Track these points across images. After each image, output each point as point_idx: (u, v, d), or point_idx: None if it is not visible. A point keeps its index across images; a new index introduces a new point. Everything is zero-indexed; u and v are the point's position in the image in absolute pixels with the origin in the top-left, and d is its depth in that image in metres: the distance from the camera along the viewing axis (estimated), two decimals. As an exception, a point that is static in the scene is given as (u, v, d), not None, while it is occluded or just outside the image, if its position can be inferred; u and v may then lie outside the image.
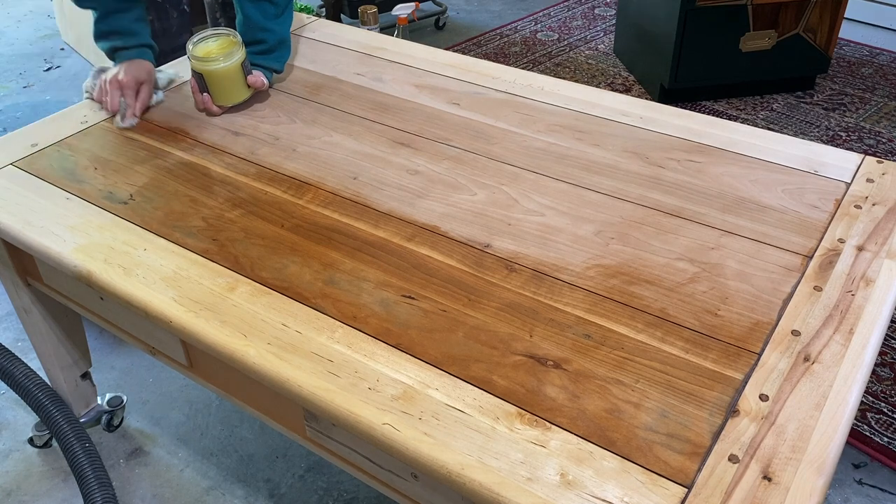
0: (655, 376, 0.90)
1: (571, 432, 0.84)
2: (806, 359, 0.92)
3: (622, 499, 0.77)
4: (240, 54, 1.43)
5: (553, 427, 0.84)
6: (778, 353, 0.92)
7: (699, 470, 0.79)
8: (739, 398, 0.87)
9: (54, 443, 1.65)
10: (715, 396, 0.88)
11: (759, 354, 0.93)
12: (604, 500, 0.77)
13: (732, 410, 0.86)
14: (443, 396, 0.88)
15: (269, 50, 1.50)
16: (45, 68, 3.30)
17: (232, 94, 1.45)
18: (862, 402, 1.68)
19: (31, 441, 1.65)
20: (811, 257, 1.07)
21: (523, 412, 0.86)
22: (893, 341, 1.83)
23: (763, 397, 0.87)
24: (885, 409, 1.66)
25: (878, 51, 3.11)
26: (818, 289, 1.02)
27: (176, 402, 1.74)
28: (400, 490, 0.96)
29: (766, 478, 0.78)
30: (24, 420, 1.71)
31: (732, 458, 0.80)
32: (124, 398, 1.70)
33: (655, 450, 0.82)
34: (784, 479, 0.78)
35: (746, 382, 0.89)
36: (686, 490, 0.78)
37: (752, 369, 0.91)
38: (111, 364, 1.83)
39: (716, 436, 0.83)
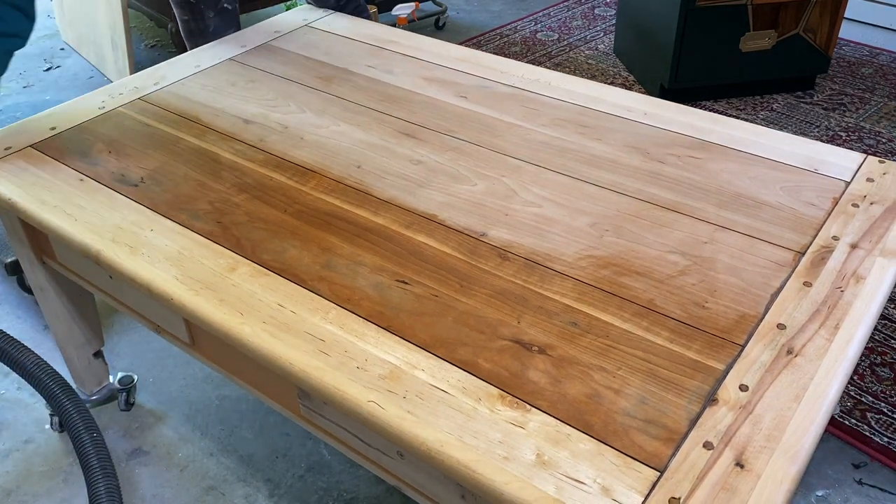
0: (638, 364, 0.92)
1: (551, 415, 0.86)
2: (789, 352, 0.93)
3: (595, 479, 0.79)
4: None
5: (533, 409, 0.86)
6: (762, 346, 0.94)
7: (673, 455, 0.81)
8: (719, 388, 0.88)
9: (58, 438, 1.69)
10: (695, 385, 0.89)
11: (743, 346, 0.94)
12: (577, 481, 0.79)
13: (711, 399, 0.87)
14: (428, 377, 0.90)
15: None
16: (45, 68, 3.31)
17: None
18: (862, 402, 1.67)
19: (52, 424, 1.68)
20: (804, 254, 1.08)
21: (505, 394, 0.88)
22: (893, 341, 1.82)
23: (743, 387, 0.88)
24: (885, 409, 1.66)
25: (878, 51, 3.08)
26: (808, 284, 1.03)
27: (176, 403, 1.76)
28: (387, 468, 0.99)
29: (739, 464, 0.80)
30: (24, 420, 1.74)
31: (707, 445, 0.82)
32: (135, 377, 1.74)
33: (632, 434, 0.83)
34: (756, 467, 0.79)
35: (728, 373, 0.90)
36: (658, 474, 0.79)
37: (735, 360, 0.92)
38: (111, 364, 1.83)
39: (692, 423, 0.84)
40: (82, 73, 3.29)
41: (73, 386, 1.51)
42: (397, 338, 0.96)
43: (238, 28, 1.94)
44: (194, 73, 1.60)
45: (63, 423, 1.49)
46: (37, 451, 1.68)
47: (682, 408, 0.86)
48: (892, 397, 1.68)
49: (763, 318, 0.98)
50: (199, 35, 1.92)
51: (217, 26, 1.92)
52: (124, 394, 1.71)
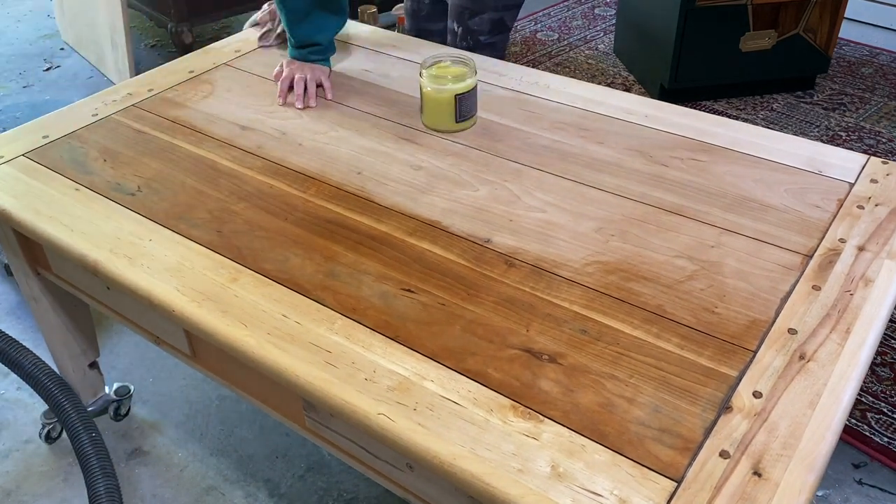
0: (650, 372, 0.91)
1: (564, 425, 0.84)
2: (801, 357, 0.92)
3: (612, 492, 0.77)
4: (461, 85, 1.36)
5: (546, 420, 0.85)
6: (773, 351, 0.93)
7: (689, 465, 0.80)
8: (733, 395, 0.87)
9: (58, 439, 1.67)
10: (708, 393, 0.88)
11: (755, 352, 0.93)
12: (594, 493, 0.77)
13: (725, 407, 0.86)
14: (438, 388, 0.89)
15: (293, 45, 1.58)
16: (45, 68, 3.30)
17: (439, 121, 1.39)
18: (862, 402, 1.67)
19: (41, 434, 1.67)
20: (811, 257, 1.07)
21: (517, 405, 0.87)
22: (893, 341, 1.82)
23: (757, 394, 0.87)
24: (885, 409, 1.66)
25: (878, 51, 3.10)
26: (817, 288, 1.02)
27: (176, 403, 1.75)
28: (396, 480, 0.98)
29: (757, 473, 0.79)
30: (24, 420, 1.73)
31: (723, 454, 0.81)
32: (131, 388, 1.71)
33: (647, 444, 0.82)
34: (774, 476, 0.78)
35: (741, 379, 0.89)
36: (676, 484, 0.78)
37: (747, 366, 0.91)
38: (111, 364, 1.84)
39: (707, 431, 0.83)
40: (82, 73, 3.27)
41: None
42: (405, 348, 0.95)
43: (445, 24, 2.03)
44: (188, 79, 1.58)
45: (61, 424, 1.48)
46: (37, 451, 1.67)
47: (697, 416, 0.85)
48: (892, 397, 1.69)
49: (774, 322, 0.97)
50: (412, 16, 2.10)
51: (429, 13, 2.05)
52: (115, 405, 1.69)
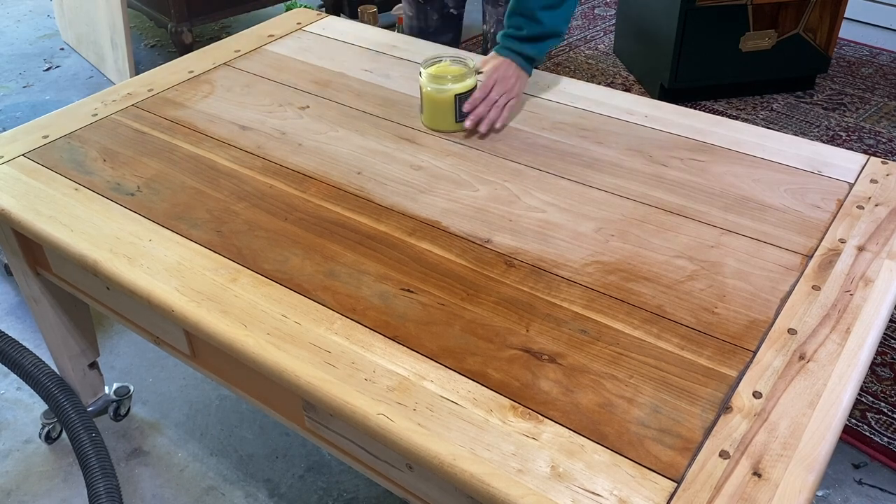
0: (650, 372, 0.91)
1: (564, 425, 0.84)
2: (801, 357, 0.92)
3: (612, 492, 0.77)
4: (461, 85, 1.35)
5: (545, 420, 0.85)
6: (773, 352, 0.93)
7: (689, 465, 0.80)
8: (733, 395, 0.87)
9: (58, 439, 1.67)
10: (708, 393, 0.88)
11: (755, 352, 0.93)
12: (593, 493, 0.77)
13: (725, 407, 0.86)
14: (437, 388, 0.89)
15: (527, 38, 1.41)
16: (45, 68, 3.30)
17: (440, 121, 1.39)
18: (862, 402, 1.67)
19: (41, 434, 1.67)
20: (811, 257, 1.07)
21: (516, 405, 0.87)
22: (893, 341, 1.82)
23: (756, 394, 0.87)
24: (885, 409, 1.66)
25: (878, 51, 3.10)
26: (816, 288, 1.02)
27: (176, 403, 1.75)
28: (395, 480, 0.98)
29: (756, 474, 0.79)
30: (24, 420, 1.72)
31: (723, 454, 0.81)
32: (131, 388, 1.71)
33: (647, 444, 0.82)
34: (774, 476, 0.78)
35: (740, 380, 0.89)
36: (675, 484, 0.78)
37: (747, 367, 0.91)
38: (111, 364, 1.84)
39: (707, 431, 0.83)
40: (82, 73, 3.27)
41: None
42: (405, 348, 0.95)
43: (459, 32, 1.99)
44: (188, 79, 1.58)
45: (61, 424, 1.48)
46: (37, 451, 1.67)
47: (697, 416, 0.85)
48: (892, 397, 1.69)
49: (773, 323, 0.97)
50: (419, 33, 1.99)
51: (438, 28, 1.97)
52: (114, 405, 1.69)
